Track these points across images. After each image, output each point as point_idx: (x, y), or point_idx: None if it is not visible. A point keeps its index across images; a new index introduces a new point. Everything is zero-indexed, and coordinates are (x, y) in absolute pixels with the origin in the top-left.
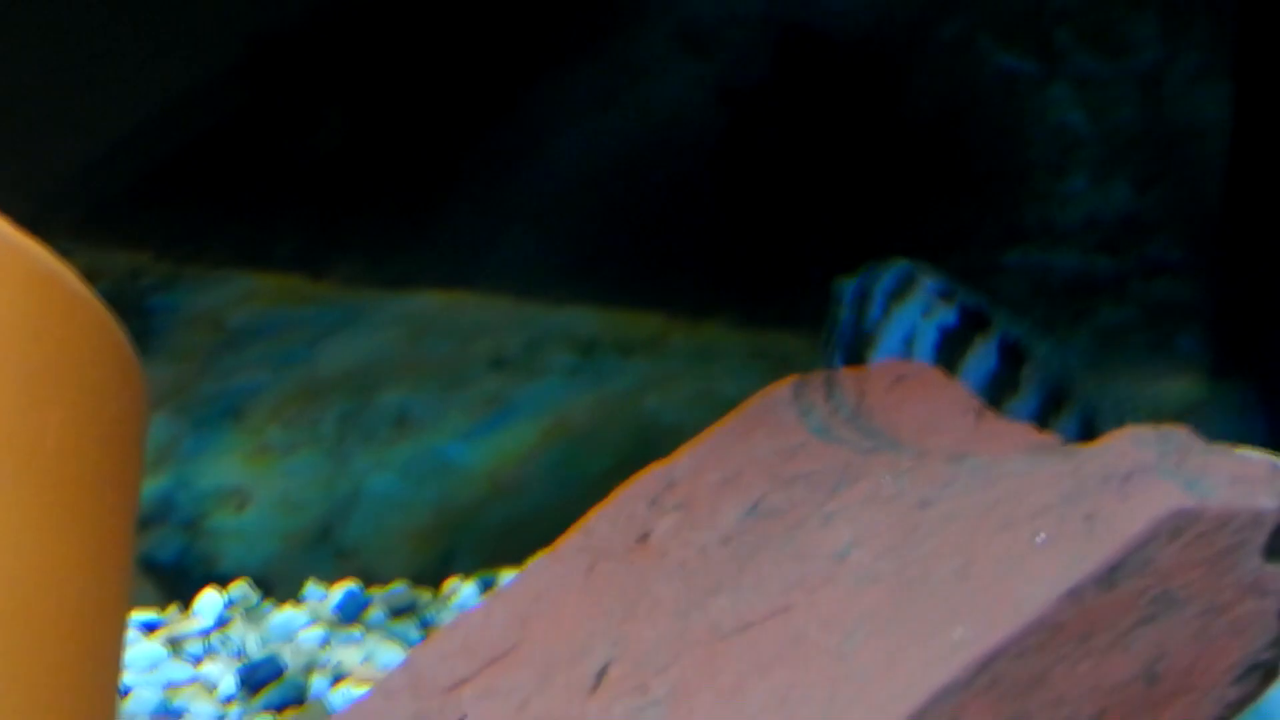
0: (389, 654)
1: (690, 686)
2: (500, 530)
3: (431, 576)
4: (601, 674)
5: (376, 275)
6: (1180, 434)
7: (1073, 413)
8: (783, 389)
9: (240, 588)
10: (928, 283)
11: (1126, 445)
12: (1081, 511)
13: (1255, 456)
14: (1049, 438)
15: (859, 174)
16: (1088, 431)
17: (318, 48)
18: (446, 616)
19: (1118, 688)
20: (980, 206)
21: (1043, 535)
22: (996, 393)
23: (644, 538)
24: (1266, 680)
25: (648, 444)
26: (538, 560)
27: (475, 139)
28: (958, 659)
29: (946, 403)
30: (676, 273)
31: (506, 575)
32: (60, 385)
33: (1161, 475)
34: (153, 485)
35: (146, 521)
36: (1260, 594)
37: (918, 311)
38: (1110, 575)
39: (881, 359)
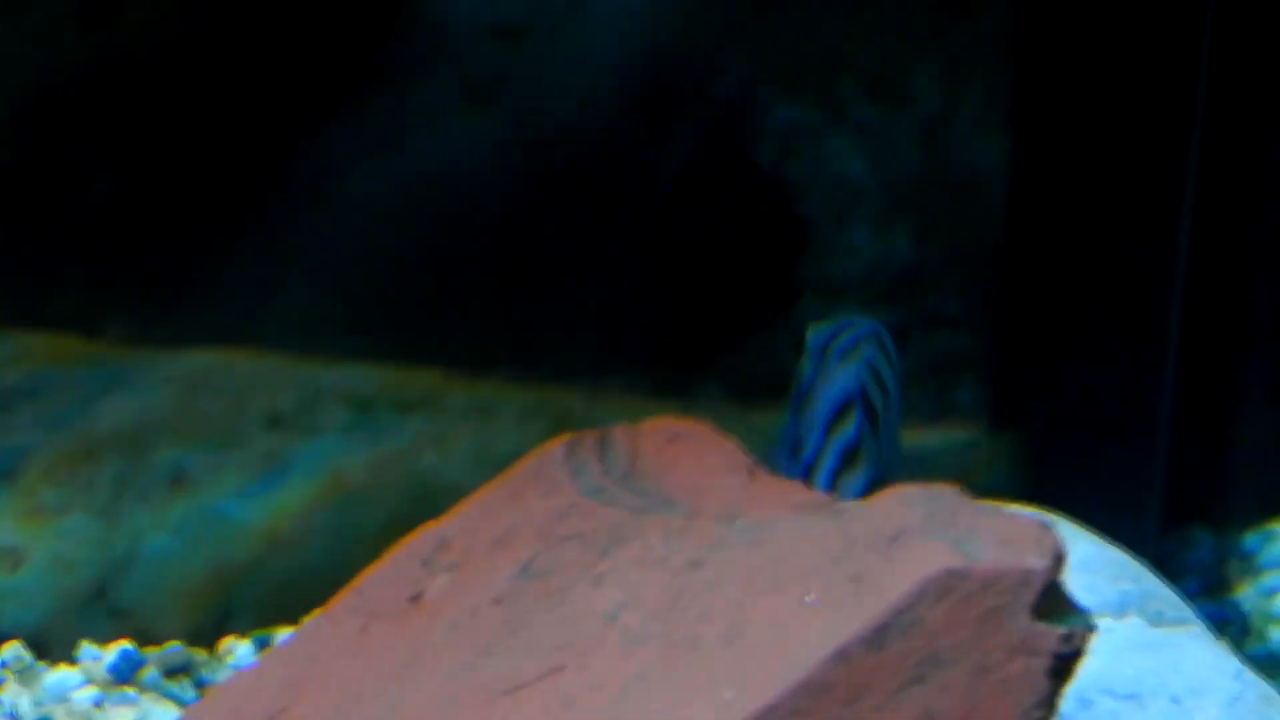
0: (163, 714)
1: None
2: (277, 588)
3: (208, 635)
4: None
5: (150, 334)
6: (948, 493)
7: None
8: (555, 448)
9: (13, 649)
10: (866, 350)
11: (893, 505)
12: (849, 573)
13: (1024, 514)
14: (821, 496)
15: (636, 230)
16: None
17: (89, 100)
18: (222, 675)
19: None
20: (763, 259)
21: (811, 597)
22: (845, 462)
23: (417, 598)
24: None
25: (425, 501)
26: (311, 621)
27: (250, 194)
28: None
29: (719, 461)
30: (455, 328)
31: (283, 634)
32: None
33: (929, 535)
34: None
35: None
36: (1029, 653)
37: (849, 373)
38: (878, 636)
39: (820, 416)
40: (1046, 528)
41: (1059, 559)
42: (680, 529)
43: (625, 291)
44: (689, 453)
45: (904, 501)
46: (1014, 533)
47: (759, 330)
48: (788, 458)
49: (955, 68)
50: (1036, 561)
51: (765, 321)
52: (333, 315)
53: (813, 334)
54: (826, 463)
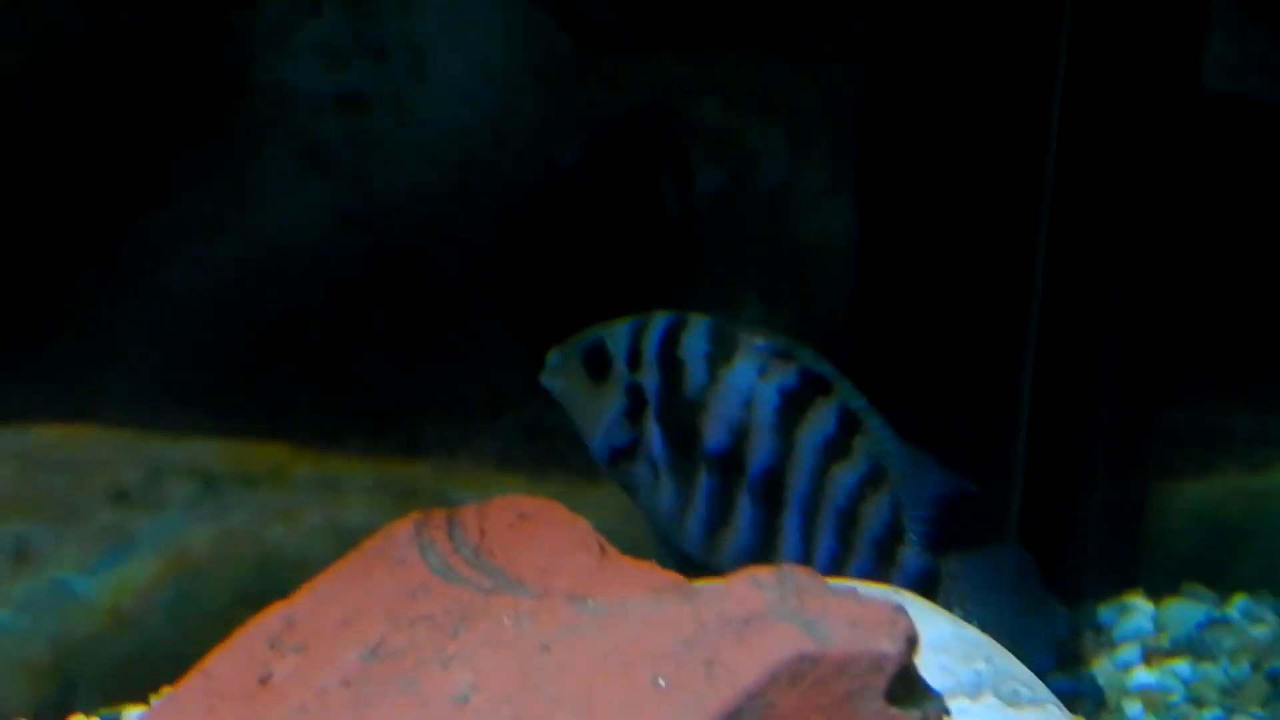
0: None
1: None
2: (122, 665)
3: (52, 713)
4: None
5: None
6: (800, 575)
7: (884, 496)
8: (404, 526)
9: None
10: (755, 343)
11: (746, 587)
12: (701, 656)
13: (878, 596)
14: (671, 577)
15: (484, 298)
16: (893, 516)
17: None
18: None
19: None
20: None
21: (663, 680)
22: (829, 457)
23: (265, 680)
24: None
25: (273, 576)
26: (158, 704)
27: (87, 268)
28: None
29: (568, 540)
30: (300, 401)
31: (131, 713)
32: None
33: (780, 619)
34: None
35: None
36: None
37: (752, 373)
38: None
39: (717, 431)
40: (899, 610)
41: (912, 642)
42: (530, 610)
43: (473, 362)
44: (539, 531)
45: (754, 583)
46: (866, 615)
47: None
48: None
49: (801, 134)
50: (889, 646)
51: None
52: (176, 390)
53: (623, 341)
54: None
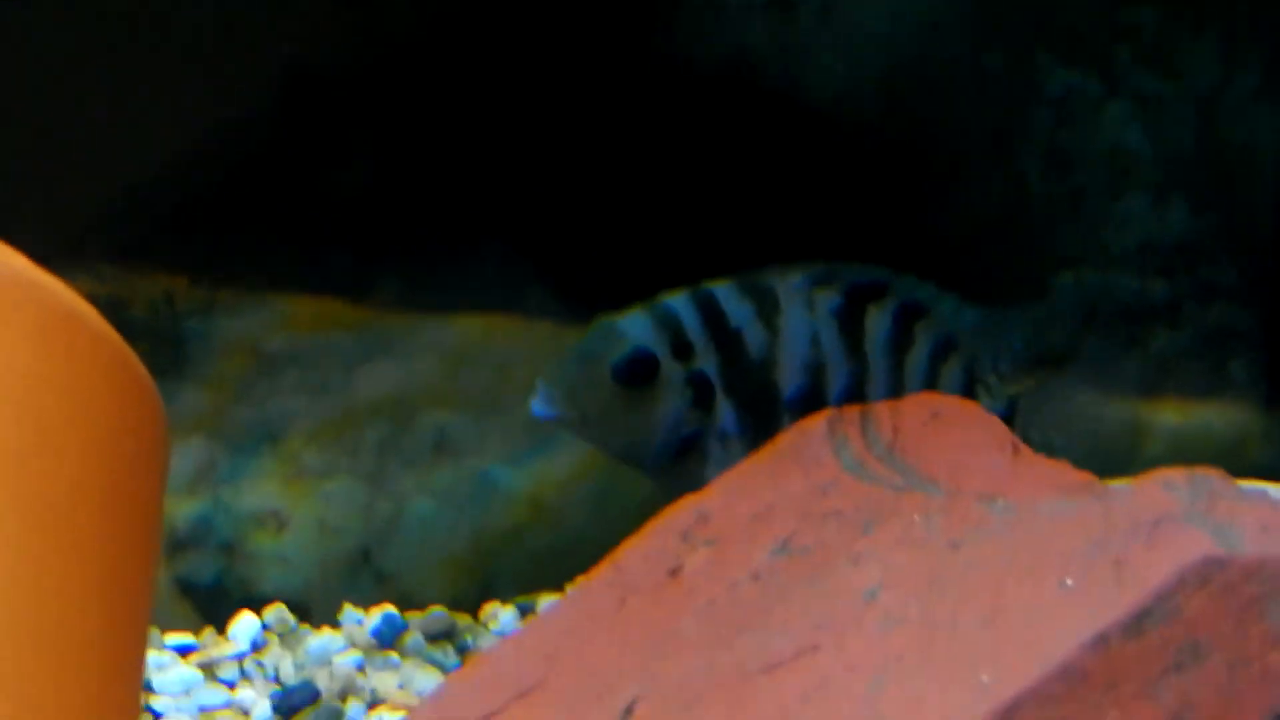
0: (426, 680)
1: None
2: (540, 556)
3: (471, 601)
4: (628, 712)
5: (413, 301)
6: (1211, 478)
7: (958, 361)
8: (818, 423)
9: (277, 611)
10: (792, 282)
11: (1156, 490)
12: (1110, 558)
13: None
14: (1085, 477)
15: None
16: (968, 378)
17: (352, 83)
18: (485, 642)
19: None
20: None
21: (1070, 581)
22: (895, 352)
23: (675, 573)
24: None
25: None
26: (569, 593)
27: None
28: (982, 705)
29: (981, 440)
30: None
31: (546, 600)
32: (75, 426)
33: (1190, 522)
34: (190, 508)
35: (183, 544)
36: None
37: (801, 314)
38: (1137, 623)
39: (793, 377)
40: None
41: None
42: (940, 508)
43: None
44: (951, 430)
45: (1166, 486)
46: (1277, 520)
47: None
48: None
49: (1233, 39)
50: None
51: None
52: (592, 283)
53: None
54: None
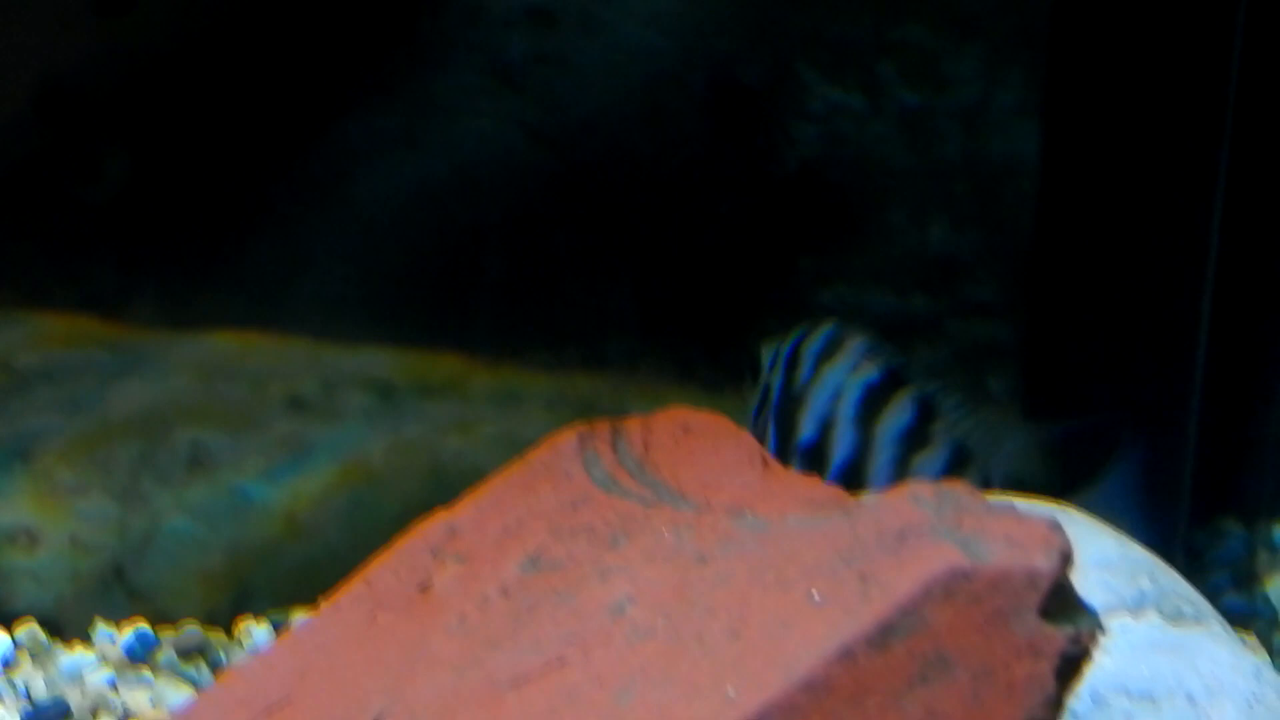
0: (178, 696)
1: None
2: (295, 571)
3: (224, 617)
4: None
5: (168, 317)
6: (959, 492)
7: (975, 475)
8: (568, 437)
9: (29, 629)
10: (857, 343)
11: (903, 503)
12: (856, 571)
13: (1038, 512)
14: (833, 492)
15: (668, 217)
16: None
17: (104, 87)
18: (237, 658)
19: None
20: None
21: (818, 594)
22: (909, 446)
23: (425, 588)
24: None
25: (446, 487)
26: (322, 609)
27: (276, 177)
28: (727, 716)
29: (732, 454)
30: (479, 313)
31: (300, 616)
32: None
33: (937, 535)
34: None
35: None
36: (1035, 655)
37: (845, 370)
38: (882, 636)
39: (811, 420)
40: (1055, 526)
41: (1066, 558)
42: (690, 523)
43: (653, 280)
44: (702, 445)
45: (914, 499)
46: (1022, 532)
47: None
48: None
49: (995, 55)
50: (1044, 562)
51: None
52: (354, 300)
53: (791, 344)
54: (884, 453)
